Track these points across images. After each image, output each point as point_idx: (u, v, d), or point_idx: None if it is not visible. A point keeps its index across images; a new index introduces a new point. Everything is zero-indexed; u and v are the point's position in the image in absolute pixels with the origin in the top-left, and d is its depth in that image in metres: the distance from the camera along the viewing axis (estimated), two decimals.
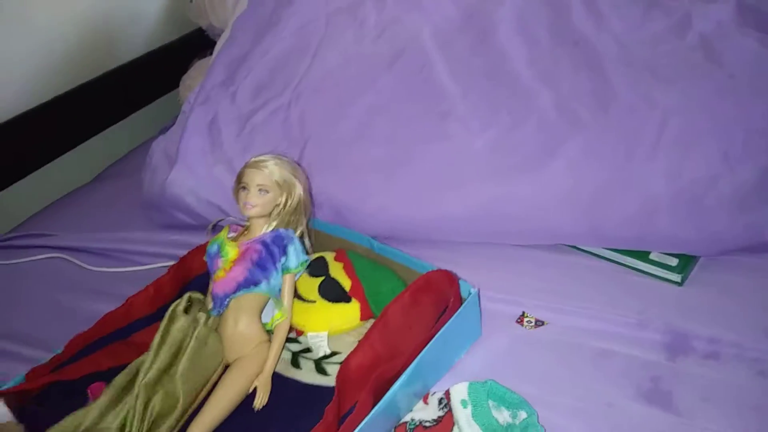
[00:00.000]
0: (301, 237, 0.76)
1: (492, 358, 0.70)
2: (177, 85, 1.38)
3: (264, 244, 0.71)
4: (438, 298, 0.68)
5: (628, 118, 0.83)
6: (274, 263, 0.71)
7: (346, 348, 0.69)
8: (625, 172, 0.81)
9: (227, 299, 0.70)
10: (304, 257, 0.73)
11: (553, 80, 0.89)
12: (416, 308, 0.66)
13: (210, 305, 0.72)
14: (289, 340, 0.72)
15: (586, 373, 0.68)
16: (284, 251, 0.72)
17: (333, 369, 0.67)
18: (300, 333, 0.72)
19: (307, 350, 0.71)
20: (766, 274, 0.79)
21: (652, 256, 0.81)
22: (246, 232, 0.75)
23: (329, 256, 0.79)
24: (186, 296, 0.69)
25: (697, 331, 0.72)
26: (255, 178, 0.71)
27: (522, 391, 0.64)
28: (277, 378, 0.68)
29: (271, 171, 0.72)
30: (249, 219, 0.74)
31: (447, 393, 0.64)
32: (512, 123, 0.86)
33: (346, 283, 0.75)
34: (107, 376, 0.63)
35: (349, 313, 0.72)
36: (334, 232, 0.83)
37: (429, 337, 0.64)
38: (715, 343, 0.70)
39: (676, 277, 0.79)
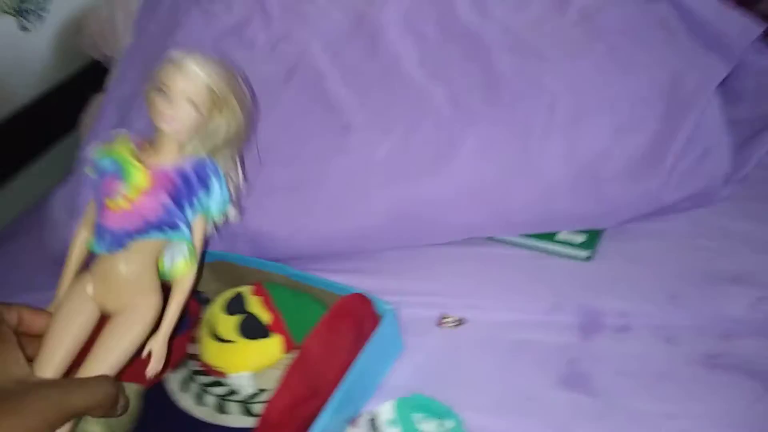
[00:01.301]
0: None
1: (416, 368, 0.71)
2: (77, 125, 1.33)
3: (182, 174, 0.59)
4: (355, 322, 0.69)
5: (519, 105, 0.85)
6: (191, 200, 0.59)
7: (273, 383, 0.69)
8: (522, 158, 0.83)
9: (128, 239, 0.57)
10: (227, 204, 0.62)
11: (445, 77, 0.90)
12: (334, 336, 0.67)
13: (91, 236, 0.60)
14: (213, 383, 0.72)
15: (505, 367, 0.70)
16: (206, 186, 0.60)
17: (261, 408, 0.67)
18: (222, 375, 0.72)
19: (233, 392, 0.70)
20: (667, 238, 0.82)
21: (559, 236, 0.84)
22: (152, 152, 0.60)
23: (247, 291, 0.78)
24: None
25: (607, 306, 0.74)
26: (182, 85, 0.57)
27: (447, 397, 0.66)
28: (204, 426, 0.67)
29: (206, 81, 0.58)
30: (160, 134, 0.60)
31: (373, 414, 0.65)
32: (410, 126, 0.87)
33: (267, 317, 0.74)
34: None
35: (271, 349, 0.72)
36: (250, 263, 0.83)
37: (351, 363, 0.65)
38: (624, 316, 0.73)
39: (584, 253, 0.81)
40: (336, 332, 0.67)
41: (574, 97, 0.85)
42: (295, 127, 0.93)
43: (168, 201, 0.58)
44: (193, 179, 0.59)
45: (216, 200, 0.61)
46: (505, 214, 0.84)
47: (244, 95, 0.63)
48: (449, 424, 0.63)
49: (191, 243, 0.61)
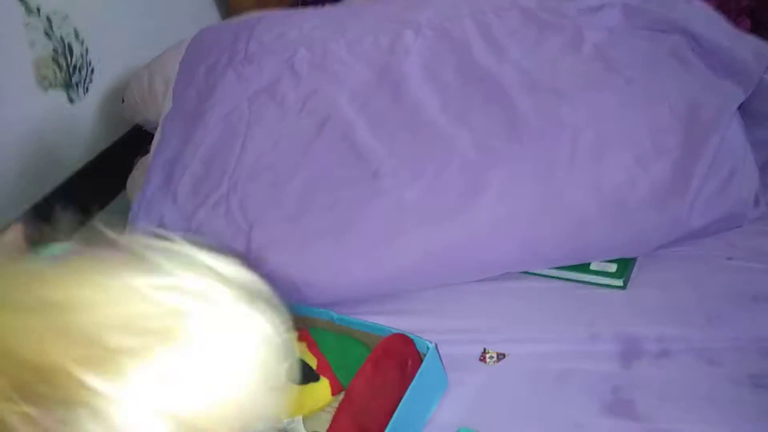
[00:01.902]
0: None
1: (462, 404, 0.73)
2: (124, 187, 1.40)
3: None
4: (399, 362, 0.71)
5: (541, 141, 0.88)
6: None
7: (322, 425, 0.72)
8: (549, 192, 0.86)
9: None
10: None
11: (467, 120, 0.94)
12: (379, 377, 0.70)
13: None
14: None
15: (550, 397, 0.71)
16: None
17: None
18: (276, 421, 0.75)
19: None
20: (701, 261, 0.84)
21: (592, 267, 0.86)
22: None
23: (292, 337, 0.82)
24: None
25: (645, 332, 0.76)
26: None
27: (494, 430, 0.68)
28: None
29: None
30: None
31: None
32: (437, 169, 0.91)
33: (313, 362, 0.77)
34: None
35: (320, 392, 0.75)
36: (294, 311, 0.86)
37: (398, 402, 0.67)
38: (664, 341, 0.74)
39: (618, 282, 0.83)
40: (381, 372, 0.69)
41: (595, 130, 0.88)
42: (327, 177, 0.98)
43: None
44: None
45: None
46: (536, 248, 0.87)
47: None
48: None
49: None
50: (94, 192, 1.39)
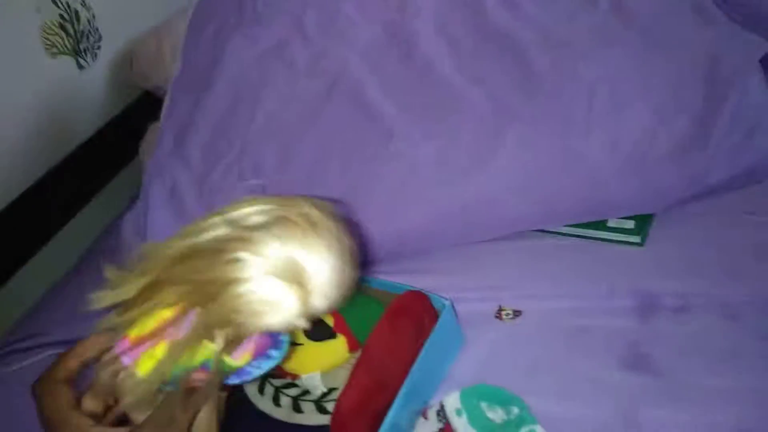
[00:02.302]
0: None
1: (479, 360, 0.74)
2: (137, 153, 1.40)
3: None
4: (415, 319, 0.71)
5: (558, 98, 0.87)
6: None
7: (341, 382, 0.72)
8: (566, 149, 0.84)
9: None
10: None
11: (481, 77, 0.92)
12: (395, 333, 0.70)
13: None
14: (286, 385, 0.75)
15: (566, 353, 0.71)
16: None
17: (333, 406, 0.71)
18: (295, 377, 0.76)
19: (306, 392, 0.74)
20: (719, 216, 0.83)
21: (609, 223, 0.85)
22: None
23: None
24: None
25: (663, 288, 0.75)
26: None
27: (511, 385, 0.68)
28: (283, 425, 0.71)
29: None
30: None
31: (441, 405, 0.68)
32: (451, 127, 0.89)
33: (330, 320, 0.78)
34: None
35: (337, 349, 0.76)
36: None
37: (415, 358, 0.68)
38: (683, 297, 0.74)
39: (636, 239, 0.82)
40: (397, 328, 0.69)
41: (612, 84, 0.86)
42: (340, 139, 0.97)
43: None
44: None
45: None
46: (552, 205, 0.86)
47: None
48: (515, 410, 0.65)
49: None
50: (107, 158, 1.39)
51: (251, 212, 0.53)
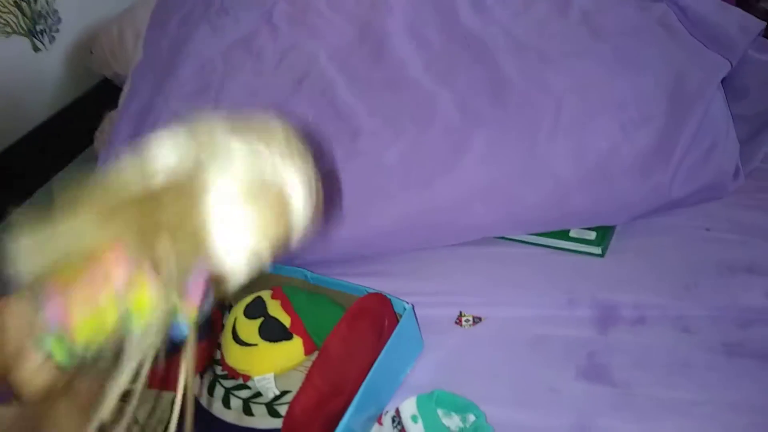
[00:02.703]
0: None
1: (437, 366, 0.72)
2: (92, 142, 1.35)
3: None
4: (374, 322, 0.70)
5: (525, 105, 0.86)
6: None
7: (295, 385, 0.70)
8: (531, 158, 0.84)
9: None
10: None
11: (451, 81, 0.92)
12: (354, 336, 0.68)
13: None
14: (237, 387, 0.73)
15: (526, 362, 0.71)
16: None
17: (286, 409, 0.68)
18: (247, 378, 0.73)
19: (258, 395, 0.72)
20: (679, 231, 0.84)
21: (571, 234, 0.85)
22: None
23: (266, 295, 0.80)
24: None
25: (622, 299, 0.76)
26: None
27: (469, 392, 0.67)
28: (231, 428, 0.68)
29: None
30: None
31: (397, 411, 0.66)
32: (418, 130, 0.88)
33: (286, 320, 0.75)
34: None
35: (292, 351, 0.73)
36: (268, 269, 0.84)
37: (373, 362, 0.66)
38: (640, 309, 0.74)
39: (597, 250, 0.83)
40: (356, 331, 0.68)
41: (580, 96, 0.87)
42: (306, 132, 0.95)
43: None
44: None
45: None
46: (516, 213, 0.86)
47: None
48: (471, 418, 0.64)
49: None
50: (60, 145, 1.33)
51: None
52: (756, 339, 0.68)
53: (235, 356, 0.74)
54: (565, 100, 0.86)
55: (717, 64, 0.90)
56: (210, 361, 0.76)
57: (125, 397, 0.63)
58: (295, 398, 0.62)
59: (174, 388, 0.71)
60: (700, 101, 0.86)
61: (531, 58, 0.92)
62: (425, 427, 0.64)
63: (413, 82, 0.94)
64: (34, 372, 0.41)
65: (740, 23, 0.98)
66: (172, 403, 0.69)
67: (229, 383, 0.73)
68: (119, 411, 0.46)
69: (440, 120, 0.89)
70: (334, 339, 0.67)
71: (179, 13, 1.13)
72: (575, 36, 0.93)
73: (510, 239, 0.88)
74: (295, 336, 0.74)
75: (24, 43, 1.32)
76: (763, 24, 1.00)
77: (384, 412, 0.67)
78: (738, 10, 1.03)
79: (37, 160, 1.28)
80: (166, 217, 0.42)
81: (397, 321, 0.70)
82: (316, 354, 0.74)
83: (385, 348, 0.67)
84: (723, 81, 0.93)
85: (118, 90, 1.33)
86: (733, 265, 0.77)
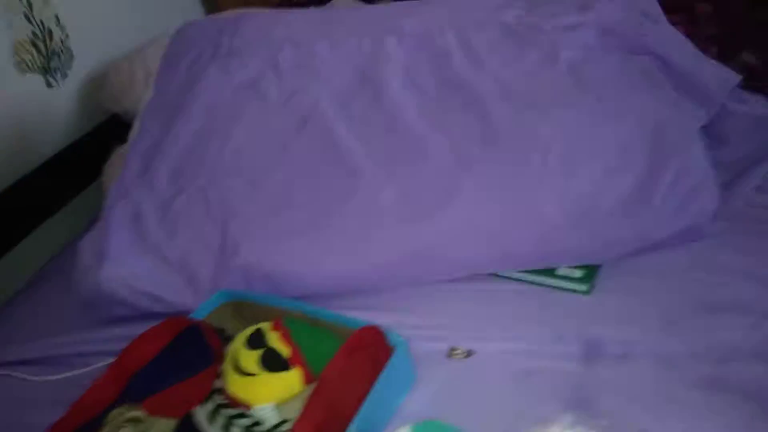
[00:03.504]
0: None
1: (429, 397, 0.75)
2: (100, 175, 1.39)
3: None
4: (370, 353, 0.73)
5: (514, 150, 0.92)
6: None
7: (294, 413, 0.73)
8: (519, 199, 0.89)
9: None
10: None
11: (443, 126, 0.97)
12: (351, 366, 0.71)
13: None
14: (238, 415, 0.75)
15: (515, 395, 0.74)
16: None
17: None
18: (247, 407, 0.76)
19: (258, 423, 0.74)
20: (663, 271, 0.87)
21: (558, 271, 0.89)
22: None
23: (266, 327, 0.83)
24: None
25: (607, 335, 0.79)
26: None
27: (460, 422, 0.70)
28: None
29: None
30: None
31: None
32: (412, 171, 0.94)
33: (286, 351, 0.78)
34: None
35: (292, 380, 0.76)
36: (268, 302, 0.88)
37: (368, 392, 0.69)
38: (624, 344, 0.78)
39: (583, 287, 0.87)
40: (353, 362, 0.71)
41: (566, 143, 0.92)
42: (306, 174, 1.00)
43: None
44: None
45: None
46: (505, 251, 0.90)
47: None
48: None
49: None
50: (69, 178, 1.38)
51: None
52: (735, 375, 0.71)
53: (235, 385, 0.77)
54: (552, 146, 0.92)
55: (694, 115, 0.96)
56: (210, 390, 0.79)
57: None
58: (295, 425, 0.65)
59: (175, 415, 0.74)
60: (679, 148, 0.91)
61: (520, 105, 0.98)
62: None
63: (408, 126, 1.00)
64: None
65: (718, 75, 1.05)
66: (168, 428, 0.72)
67: (230, 411, 0.76)
68: None
69: (433, 162, 0.94)
70: (332, 369, 0.70)
71: (190, 55, 1.19)
72: (562, 86, 0.99)
73: (500, 276, 0.92)
74: (294, 366, 0.77)
75: (38, 80, 1.38)
76: (738, 77, 1.06)
77: None
78: (717, 64, 1.10)
79: (47, 192, 1.32)
80: None
81: (391, 353, 0.74)
82: (314, 384, 0.78)
83: (379, 379, 0.70)
84: (704, 129, 0.99)
85: (127, 125, 1.38)
86: (712, 304, 0.80)
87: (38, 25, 1.37)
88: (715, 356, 0.74)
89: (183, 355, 0.80)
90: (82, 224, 1.30)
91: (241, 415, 0.76)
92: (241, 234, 0.94)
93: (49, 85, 1.40)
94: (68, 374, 0.92)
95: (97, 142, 1.44)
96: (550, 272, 0.89)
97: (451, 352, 0.81)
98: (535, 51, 1.06)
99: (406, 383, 0.76)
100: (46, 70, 1.39)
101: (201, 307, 0.88)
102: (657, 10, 1.14)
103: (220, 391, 0.78)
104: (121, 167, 1.09)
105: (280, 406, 0.75)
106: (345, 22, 1.20)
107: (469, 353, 0.81)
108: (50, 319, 1.05)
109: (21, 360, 0.97)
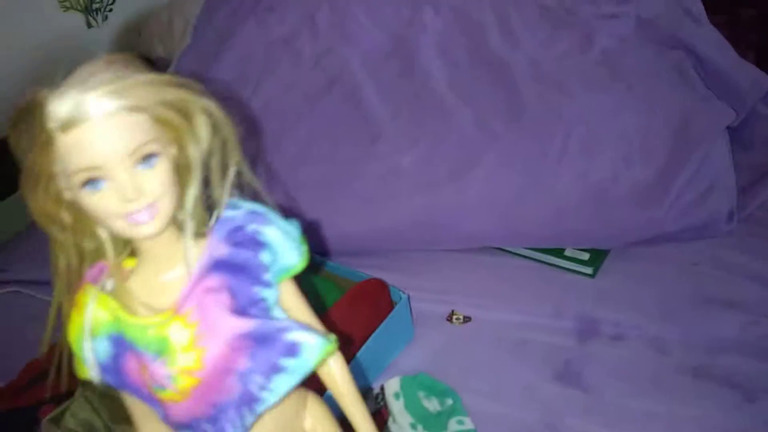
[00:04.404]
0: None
1: (424, 355, 0.78)
2: None
3: (224, 267, 0.39)
4: (372, 303, 0.75)
5: (537, 129, 0.93)
6: (257, 283, 0.40)
7: None
8: (537, 177, 0.90)
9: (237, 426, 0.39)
10: (295, 233, 0.44)
11: (471, 99, 0.98)
12: (353, 313, 0.73)
13: None
14: None
15: (506, 361, 0.76)
16: (261, 246, 0.40)
17: None
18: None
19: None
20: (668, 262, 0.88)
21: (566, 252, 0.90)
22: (146, 276, 0.40)
23: None
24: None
25: (605, 316, 0.80)
26: (113, 145, 0.35)
27: (450, 382, 0.72)
28: None
29: (129, 106, 0.36)
30: (140, 246, 0.40)
31: (381, 388, 0.71)
32: (435, 140, 0.95)
33: None
34: (60, 400, 0.68)
35: None
36: None
37: (366, 339, 0.71)
38: (620, 326, 0.79)
39: (588, 270, 0.88)
40: (355, 308, 0.73)
41: (589, 127, 0.92)
42: (330, 131, 1.02)
43: (243, 336, 0.38)
44: (239, 258, 0.39)
45: (286, 252, 0.42)
46: (517, 227, 0.91)
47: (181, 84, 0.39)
48: (449, 401, 0.69)
49: (308, 335, 0.41)
50: None
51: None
52: (724, 366, 0.72)
53: None
54: (575, 128, 0.92)
55: (723, 113, 0.96)
56: None
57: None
58: None
59: None
60: (702, 145, 0.91)
61: (549, 86, 0.98)
62: (406, 404, 0.69)
63: (437, 96, 1.01)
64: None
65: (753, 79, 1.04)
66: None
67: None
68: None
69: (457, 133, 0.95)
70: (335, 310, 0.72)
71: (229, 6, 1.20)
72: (593, 72, 0.99)
73: (508, 251, 0.94)
74: None
75: (79, 18, 1.41)
76: None
77: (370, 387, 0.72)
78: (753, 67, 1.09)
79: None
80: None
81: (393, 308, 0.76)
82: None
83: (379, 328, 0.72)
84: (730, 131, 0.99)
85: (161, 71, 1.41)
86: (710, 298, 0.81)
87: None
88: (706, 347, 0.75)
89: None
90: None
91: None
92: (263, 181, 0.96)
93: (89, 25, 1.43)
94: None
95: None
96: (558, 252, 0.90)
97: (451, 316, 0.83)
98: (571, 35, 1.05)
99: (404, 338, 0.79)
100: (88, 10, 1.42)
101: None
102: (699, 8, 1.13)
103: None
104: None
105: None
106: None
107: (467, 319, 0.83)
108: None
109: (32, 280, 1.01)
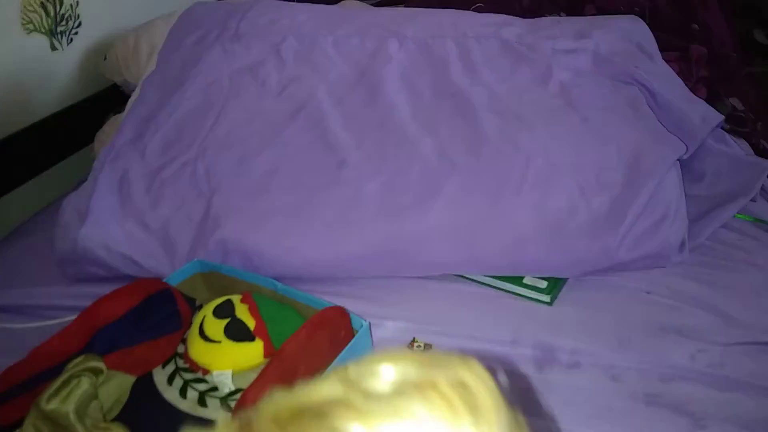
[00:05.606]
0: None
1: None
2: (92, 140, 1.41)
3: None
4: (332, 332, 0.75)
5: (497, 160, 0.95)
6: None
7: (248, 383, 0.75)
8: (496, 207, 0.92)
9: None
10: None
11: (433, 129, 1.00)
12: (312, 343, 0.73)
13: None
14: (196, 380, 0.77)
15: None
16: None
17: None
18: (206, 372, 0.78)
19: (214, 389, 0.76)
20: (623, 291, 0.91)
21: (525, 281, 0.92)
22: None
23: (236, 299, 0.85)
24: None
25: (562, 344, 0.82)
26: None
27: None
28: (185, 417, 0.73)
29: None
30: None
31: None
32: (399, 168, 0.96)
33: (251, 323, 0.81)
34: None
35: (253, 351, 0.78)
36: (240, 276, 0.90)
37: (325, 369, 0.71)
38: (576, 354, 0.81)
39: (546, 298, 0.89)
40: (314, 338, 0.73)
41: (547, 158, 0.95)
42: (296, 159, 1.02)
43: None
44: None
45: None
46: (476, 256, 0.93)
47: None
48: None
49: None
50: (61, 140, 1.40)
51: (380, 371, 0.33)
52: (675, 393, 0.74)
53: (198, 350, 0.79)
54: (533, 159, 0.95)
55: (674, 147, 1.00)
56: (174, 354, 0.81)
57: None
58: (247, 390, 0.67)
59: (134, 372, 0.76)
60: (654, 177, 0.95)
61: (509, 118, 1.01)
62: None
63: (400, 126, 1.03)
64: None
65: (703, 114, 1.09)
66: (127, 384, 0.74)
67: (188, 375, 0.78)
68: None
69: (418, 162, 0.97)
70: (292, 343, 0.72)
71: (196, 34, 1.21)
72: (551, 104, 1.03)
73: (469, 279, 0.95)
74: (257, 338, 0.79)
75: (43, 41, 1.39)
76: (721, 117, 1.11)
77: None
78: (703, 103, 1.14)
79: (38, 151, 1.34)
80: None
81: (353, 336, 0.76)
82: None
83: (339, 357, 0.72)
84: (682, 163, 1.03)
85: (124, 97, 1.40)
86: (664, 326, 0.84)
87: None
88: (659, 375, 0.77)
89: (152, 316, 0.82)
90: (69, 186, 1.32)
91: (199, 380, 0.77)
92: (224, 209, 0.96)
93: (53, 48, 1.42)
94: (39, 324, 0.94)
95: (93, 109, 1.46)
96: (517, 280, 0.92)
97: (412, 344, 0.84)
98: (530, 69, 1.09)
99: None
100: (53, 33, 1.41)
101: (173, 274, 0.90)
102: (653, 46, 1.19)
103: (182, 355, 0.80)
104: (114, 134, 1.11)
105: (237, 375, 0.77)
106: (351, 21, 1.24)
107: (428, 346, 0.83)
108: (24, 271, 1.06)
109: None
